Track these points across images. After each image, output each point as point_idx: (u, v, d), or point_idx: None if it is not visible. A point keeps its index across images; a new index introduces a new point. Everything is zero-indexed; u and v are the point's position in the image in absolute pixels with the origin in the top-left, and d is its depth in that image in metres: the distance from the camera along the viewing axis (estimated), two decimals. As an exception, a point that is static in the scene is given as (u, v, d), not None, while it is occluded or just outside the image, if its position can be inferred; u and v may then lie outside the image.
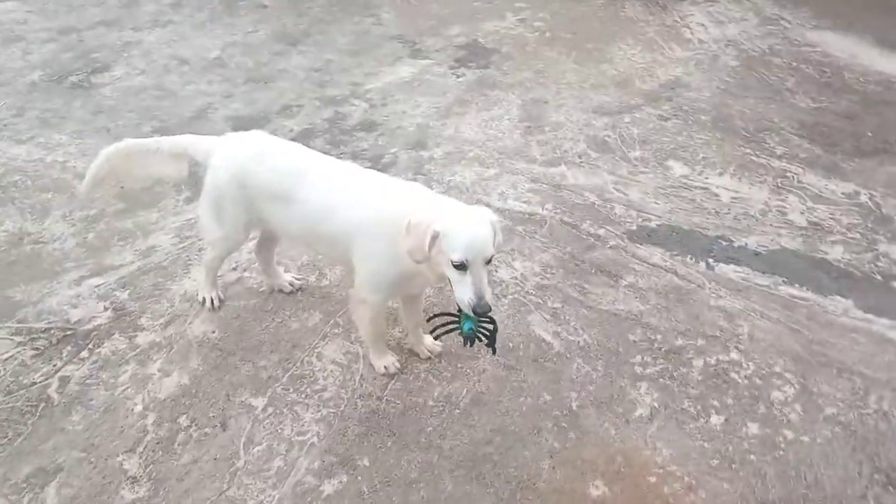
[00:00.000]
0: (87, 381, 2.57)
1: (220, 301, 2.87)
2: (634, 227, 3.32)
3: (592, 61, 4.64)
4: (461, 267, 2.07)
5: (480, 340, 2.25)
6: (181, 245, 3.15)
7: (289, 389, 2.56)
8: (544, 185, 3.56)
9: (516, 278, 3.02)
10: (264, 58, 4.64)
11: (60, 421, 2.44)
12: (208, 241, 2.78)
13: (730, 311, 2.88)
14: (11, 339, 2.72)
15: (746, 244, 3.22)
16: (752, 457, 2.34)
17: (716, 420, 2.45)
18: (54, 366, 2.63)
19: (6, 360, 2.64)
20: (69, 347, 2.70)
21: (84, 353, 2.68)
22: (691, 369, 2.63)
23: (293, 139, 3.74)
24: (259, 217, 2.53)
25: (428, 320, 2.38)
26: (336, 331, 2.78)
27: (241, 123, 3.92)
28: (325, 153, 3.48)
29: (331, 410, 2.49)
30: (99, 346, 2.71)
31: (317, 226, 2.40)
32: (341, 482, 2.27)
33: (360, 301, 2.44)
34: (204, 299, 2.86)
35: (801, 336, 2.78)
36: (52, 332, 2.76)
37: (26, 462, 2.31)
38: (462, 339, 2.24)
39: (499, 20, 5.18)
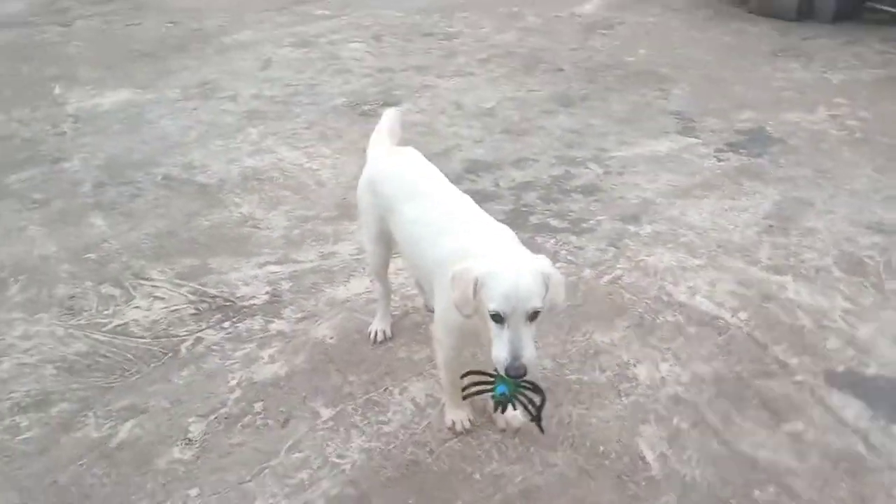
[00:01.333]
0: (213, 348, 2.83)
1: (385, 337, 2.80)
2: (841, 369, 2.58)
3: (901, 170, 3.77)
4: (498, 319, 1.85)
5: (515, 408, 2.00)
6: (357, 256, 3.30)
7: (357, 410, 2.51)
8: (751, 292, 2.97)
9: (653, 381, 2.56)
10: (531, 114, 4.70)
11: (172, 373, 2.71)
12: (364, 259, 2.88)
13: (922, 509, 2.06)
14: (186, 297, 3.12)
15: None
16: None
17: None
18: (199, 327, 2.95)
19: (172, 311, 3.04)
20: (219, 315, 3.00)
21: (227, 324, 2.96)
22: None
23: (514, 189, 3.75)
24: (386, 228, 2.52)
25: (462, 377, 2.13)
26: (434, 371, 2.65)
27: (474, 166, 4.01)
28: (531, 207, 3.51)
29: (380, 445, 2.37)
30: (241, 322, 2.96)
31: (412, 249, 2.34)
32: (347, 517, 2.14)
33: (437, 340, 2.30)
34: (373, 331, 2.81)
35: None
36: (217, 299, 3.10)
37: (127, 396, 2.61)
38: (493, 404, 1.98)
39: (805, 112, 4.52)
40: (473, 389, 2.06)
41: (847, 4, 6.20)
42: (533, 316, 1.84)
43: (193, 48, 6.27)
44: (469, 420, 2.39)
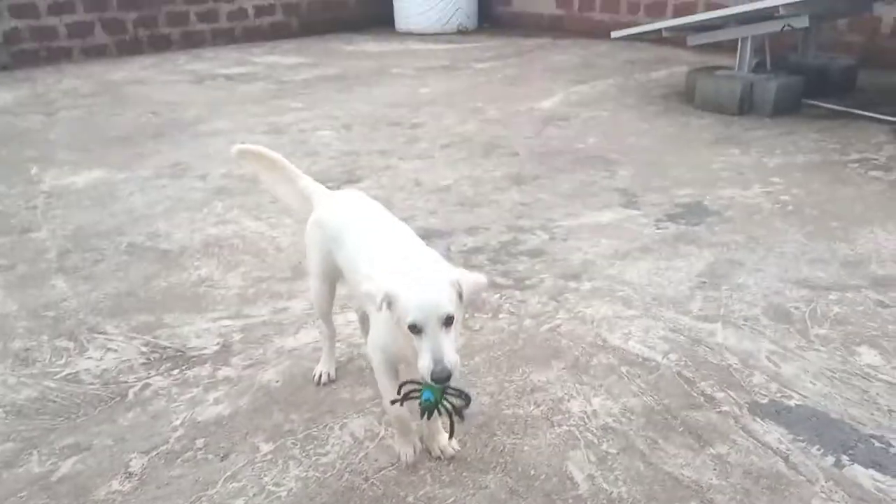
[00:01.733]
0: (160, 392, 2.90)
1: (329, 379, 2.90)
2: (765, 401, 2.70)
3: (826, 238, 4.02)
4: (415, 330, 1.96)
5: (440, 413, 2.08)
6: (308, 311, 3.42)
7: (297, 444, 2.57)
8: (682, 337, 3.12)
9: (585, 413, 2.66)
10: (485, 190, 4.96)
11: (118, 414, 2.77)
12: (311, 299, 2.99)
13: (833, 520, 2.14)
14: (139, 349, 3.21)
15: (913, 455, 2.39)
16: None
17: None
18: (148, 374, 3.02)
19: (123, 361, 3.12)
20: (168, 364, 3.08)
21: (175, 371, 3.03)
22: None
23: (465, 253, 3.94)
24: (332, 265, 2.62)
25: (399, 388, 2.22)
26: (375, 409, 2.73)
27: (427, 234, 4.20)
28: (480, 267, 3.69)
29: (317, 474, 2.42)
30: (189, 369, 3.04)
31: (352, 277, 2.48)
32: (278, 539, 2.17)
33: (374, 367, 2.40)
34: (317, 373, 2.91)
35: (925, 582, 1.93)
36: (168, 350, 3.19)
37: (72, 435, 2.66)
38: (419, 410, 2.07)
39: (741, 189, 4.82)
40: (402, 396, 2.14)
41: (786, 101, 6.67)
42: (448, 321, 1.95)
43: (169, 135, 6.56)
44: (413, 456, 2.44)
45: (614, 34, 7.55)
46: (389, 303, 2.02)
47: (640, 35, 9.35)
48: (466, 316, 2.56)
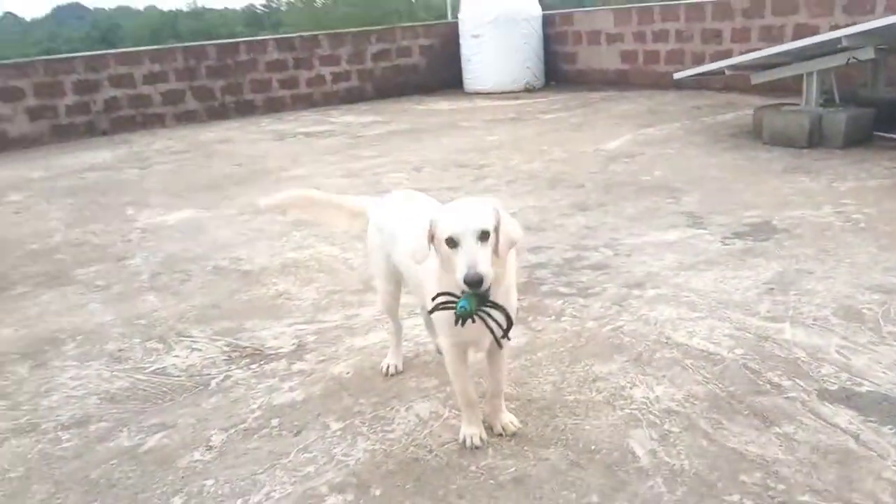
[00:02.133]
0: (240, 382, 3.08)
1: (396, 371, 3.01)
2: (834, 388, 2.66)
3: (903, 249, 3.94)
4: (452, 244, 2.07)
5: (473, 321, 2.13)
6: (378, 317, 3.57)
7: (365, 423, 2.68)
8: (748, 335, 3.11)
9: (647, 398, 2.68)
10: (550, 216, 5.07)
11: (201, 400, 2.96)
12: (377, 300, 3.09)
13: (906, 488, 2.09)
14: (221, 349, 3.42)
15: None
16: None
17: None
18: (229, 368, 3.21)
19: (207, 358, 3.33)
20: (248, 360, 3.27)
21: (254, 366, 3.22)
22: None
23: (528, 268, 4.04)
24: (394, 265, 2.75)
25: (433, 298, 2.24)
26: (440, 395, 2.82)
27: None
28: (543, 279, 3.78)
29: (383, 447, 2.52)
30: (267, 364, 3.22)
31: (408, 271, 2.60)
32: (346, 500, 2.27)
33: (441, 348, 2.50)
34: (385, 365, 3.03)
35: None
36: (247, 349, 3.38)
37: (159, 416, 2.86)
38: (455, 317, 2.14)
39: (812, 209, 4.77)
40: (437, 304, 2.19)
41: (856, 132, 6.58)
42: (484, 236, 2.05)
43: (252, 181, 6.98)
44: (481, 438, 2.48)
45: (677, 76, 7.68)
46: (433, 235, 2.13)
47: (705, 79, 9.47)
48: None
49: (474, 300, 2.09)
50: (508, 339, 2.25)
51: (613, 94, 11.01)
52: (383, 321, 3.40)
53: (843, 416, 2.48)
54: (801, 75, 6.84)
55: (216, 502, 2.32)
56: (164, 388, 3.08)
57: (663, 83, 11.12)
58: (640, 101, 10.19)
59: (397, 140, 8.66)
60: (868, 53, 6.27)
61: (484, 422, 2.55)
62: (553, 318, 3.43)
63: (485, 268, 2.02)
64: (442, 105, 11.48)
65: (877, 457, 2.25)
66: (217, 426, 2.75)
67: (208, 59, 11.76)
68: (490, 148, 7.71)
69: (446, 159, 7.32)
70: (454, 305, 2.12)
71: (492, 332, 2.20)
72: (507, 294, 2.30)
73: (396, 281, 2.86)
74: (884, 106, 6.91)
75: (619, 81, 12.12)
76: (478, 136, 8.51)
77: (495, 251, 2.12)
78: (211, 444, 2.64)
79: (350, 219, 3.06)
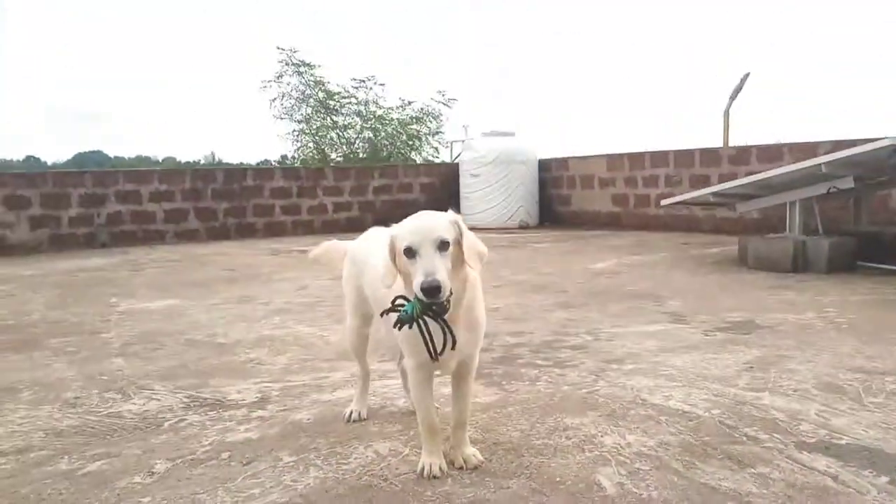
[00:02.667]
0: (194, 423, 2.94)
1: (360, 418, 2.88)
2: (813, 440, 2.54)
3: (885, 344, 3.89)
4: (411, 254, 2.04)
5: (409, 328, 2.10)
6: (349, 378, 3.47)
7: (319, 458, 2.53)
8: (726, 400, 3.01)
9: (618, 444, 2.55)
10: (533, 311, 5.05)
11: (151, 436, 2.82)
12: (346, 339, 3.00)
13: (888, 517, 1.95)
14: (181, 399, 3.29)
15: (980, 478, 2.18)
16: None
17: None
18: (186, 414, 3.08)
19: (165, 406, 3.20)
20: (207, 408, 3.14)
21: (212, 412, 3.08)
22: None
23: (506, 346, 3.98)
24: (364, 298, 2.70)
25: (392, 301, 2.19)
26: (402, 437, 2.69)
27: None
28: (520, 356, 3.72)
29: (336, 475, 2.37)
30: (226, 411, 3.09)
31: (374, 295, 2.56)
32: (288, 518, 2.11)
33: (407, 367, 2.41)
34: (349, 411, 2.90)
35: None
36: (208, 400, 3.26)
37: (104, 447, 2.72)
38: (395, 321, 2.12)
39: (795, 314, 4.75)
40: (393, 303, 2.16)
41: (840, 258, 6.69)
42: (443, 246, 2.03)
43: (242, 281, 7.01)
44: (441, 468, 2.34)
45: (664, 202, 7.89)
46: (394, 251, 2.11)
47: (695, 221, 9.76)
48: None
49: (419, 306, 2.04)
50: (434, 351, 2.16)
51: (605, 234, 11.29)
52: (353, 381, 3.29)
53: (822, 462, 2.35)
54: (786, 215, 7.04)
55: (148, 516, 2.15)
56: (115, 427, 2.93)
57: (654, 225, 11.45)
58: (630, 238, 10.44)
59: (390, 257, 8.77)
60: (848, 183, 6.51)
61: (446, 456, 2.40)
62: (528, 382, 3.33)
63: (442, 276, 1.98)
64: (437, 235, 11.72)
65: (855, 493, 2.11)
66: (163, 457, 2.59)
67: (215, 183, 12.17)
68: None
69: (436, 271, 7.37)
70: (402, 307, 2.10)
71: (426, 342, 2.13)
72: (471, 309, 2.27)
73: (363, 315, 2.80)
74: (866, 238, 7.07)
75: (611, 223, 12.47)
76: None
77: (457, 262, 2.10)
78: (154, 470, 2.48)
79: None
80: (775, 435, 2.59)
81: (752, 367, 3.48)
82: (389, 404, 3.10)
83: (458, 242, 2.12)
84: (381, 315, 2.28)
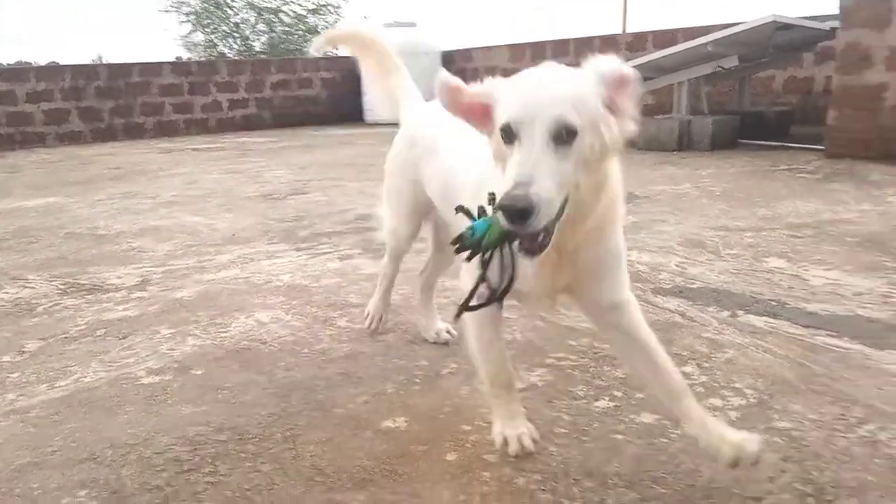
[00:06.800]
0: (69, 307, 2.88)
1: (381, 324, 2.41)
2: (669, 286, 2.73)
3: (749, 206, 4.15)
4: (509, 138, 1.28)
5: (469, 260, 1.38)
6: (233, 260, 3.44)
7: (198, 329, 2.55)
8: (597, 259, 3.17)
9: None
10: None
11: (22, 320, 2.76)
12: (383, 237, 2.31)
13: (721, 342, 2.16)
14: (56, 286, 3.20)
15: (806, 308, 2.42)
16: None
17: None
18: (61, 298, 3.01)
19: (43, 292, 3.12)
20: (84, 292, 3.08)
21: (90, 296, 3.02)
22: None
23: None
24: (423, 193, 2.04)
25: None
26: (285, 307, 2.73)
27: (362, 217, 4.28)
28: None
29: (214, 342, 2.40)
30: (104, 294, 3.03)
31: (448, 183, 1.85)
32: (163, 380, 2.13)
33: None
34: (367, 314, 2.42)
35: (804, 369, 1.95)
36: (86, 285, 3.19)
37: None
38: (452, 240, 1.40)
39: (673, 185, 4.99)
40: (458, 210, 1.46)
41: (723, 136, 6.99)
42: (564, 136, 1.24)
43: (128, 178, 6.73)
44: (533, 439, 1.65)
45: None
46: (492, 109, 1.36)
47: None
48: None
49: (497, 231, 1.31)
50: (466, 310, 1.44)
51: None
52: (244, 262, 3.28)
53: (673, 303, 2.55)
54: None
55: (18, 388, 2.12)
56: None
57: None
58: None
59: (289, 152, 8.60)
60: (733, 61, 6.73)
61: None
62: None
63: (545, 189, 1.20)
64: (340, 132, 11.51)
65: (699, 325, 2.31)
66: (35, 336, 2.55)
67: (98, 80, 11.42)
68: (382, 155, 7.73)
69: (335, 161, 7.30)
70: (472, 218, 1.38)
71: (472, 290, 1.40)
72: (600, 237, 1.54)
73: (418, 223, 2.18)
74: (749, 117, 7.41)
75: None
76: (372, 148, 8.53)
77: (592, 161, 1.31)
78: (25, 349, 2.44)
79: (389, 102, 2.34)
80: (636, 284, 2.77)
81: (624, 231, 3.65)
82: (275, 279, 3.11)
83: (599, 125, 1.30)
84: (456, 212, 1.47)
